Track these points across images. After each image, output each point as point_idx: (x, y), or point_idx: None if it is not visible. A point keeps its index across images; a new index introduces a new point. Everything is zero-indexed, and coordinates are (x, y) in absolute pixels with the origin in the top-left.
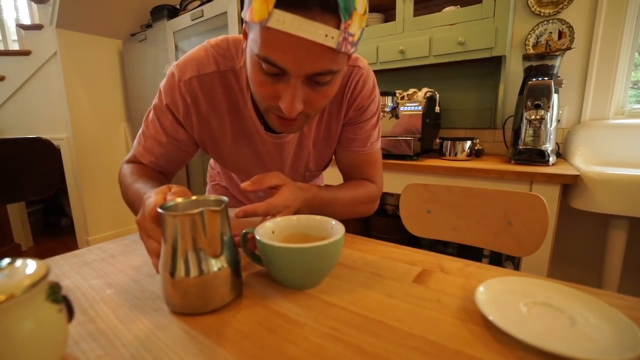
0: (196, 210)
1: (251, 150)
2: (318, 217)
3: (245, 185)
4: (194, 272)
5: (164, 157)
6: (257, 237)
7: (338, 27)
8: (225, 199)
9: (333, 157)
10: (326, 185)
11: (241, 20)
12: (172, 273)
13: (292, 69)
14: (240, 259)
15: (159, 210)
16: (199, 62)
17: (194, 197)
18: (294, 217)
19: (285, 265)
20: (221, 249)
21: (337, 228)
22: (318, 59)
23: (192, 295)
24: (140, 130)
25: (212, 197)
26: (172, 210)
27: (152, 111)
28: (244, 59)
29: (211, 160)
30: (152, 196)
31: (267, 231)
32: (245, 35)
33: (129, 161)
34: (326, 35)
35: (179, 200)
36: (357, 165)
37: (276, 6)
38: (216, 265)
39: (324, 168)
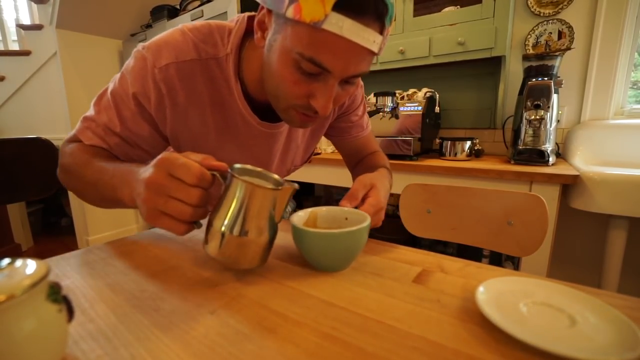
0: (278, 187)
1: (237, 144)
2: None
3: (345, 203)
4: (249, 233)
5: (116, 150)
6: (293, 224)
7: (381, 33)
8: (281, 180)
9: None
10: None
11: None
12: (231, 229)
13: (337, 71)
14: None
15: (238, 178)
16: (175, 47)
17: (248, 166)
18: (324, 208)
19: (316, 249)
20: (273, 221)
21: (362, 217)
22: (361, 62)
23: (237, 252)
24: (88, 113)
25: (270, 173)
26: (236, 173)
27: (107, 96)
28: (231, 46)
29: None
30: (180, 157)
31: (300, 219)
32: (262, 26)
33: (73, 141)
34: (373, 41)
35: (248, 166)
36: (361, 147)
37: (334, 9)
38: (266, 233)
39: (306, 162)
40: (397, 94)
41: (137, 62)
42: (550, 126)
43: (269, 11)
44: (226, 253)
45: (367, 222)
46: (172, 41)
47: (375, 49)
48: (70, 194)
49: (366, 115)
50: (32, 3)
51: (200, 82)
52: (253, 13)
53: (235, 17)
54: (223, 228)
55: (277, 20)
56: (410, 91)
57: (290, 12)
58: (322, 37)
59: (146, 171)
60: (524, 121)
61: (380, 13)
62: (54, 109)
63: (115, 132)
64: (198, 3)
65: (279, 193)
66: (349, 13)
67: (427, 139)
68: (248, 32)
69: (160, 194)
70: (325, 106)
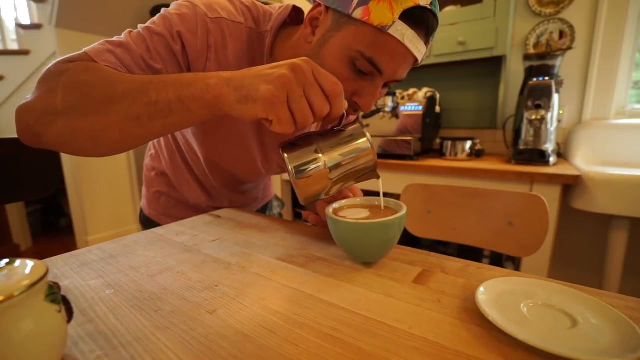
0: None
1: (255, 129)
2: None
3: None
4: (333, 176)
5: None
6: (329, 214)
7: (426, 46)
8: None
9: None
10: None
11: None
12: (327, 163)
13: (389, 74)
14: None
15: (365, 133)
16: (226, 7)
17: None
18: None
19: (352, 239)
20: (346, 183)
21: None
22: (407, 69)
23: (312, 181)
24: (114, 38)
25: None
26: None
27: (137, 31)
28: (272, 25)
29: (148, 161)
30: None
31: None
32: (314, 23)
33: (79, 60)
34: (421, 52)
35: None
36: None
37: (401, 18)
38: (337, 186)
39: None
40: (397, 94)
41: (183, 8)
42: (551, 126)
43: (327, 9)
44: (306, 175)
45: (404, 211)
46: (222, 2)
47: (420, 59)
48: (70, 194)
49: None
50: (32, 2)
51: (244, 49)
52: (298, 5)
53: (276, 4)
54: (323, 160)
55: (338, 19)
56: (411, 91)
57: (357, 14)
58: (385, 40)
59: (287, 61)
60: (525, 121)
61: (432, 29)
62: None
63: (150, 67)
64: None
65: (374, 171)
66: (411, 23)
67: (428, 139)
68: (286, 22)
69: (299, 84)
70: (369, 104)
